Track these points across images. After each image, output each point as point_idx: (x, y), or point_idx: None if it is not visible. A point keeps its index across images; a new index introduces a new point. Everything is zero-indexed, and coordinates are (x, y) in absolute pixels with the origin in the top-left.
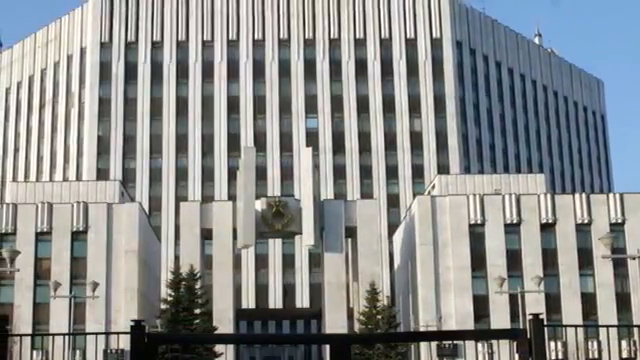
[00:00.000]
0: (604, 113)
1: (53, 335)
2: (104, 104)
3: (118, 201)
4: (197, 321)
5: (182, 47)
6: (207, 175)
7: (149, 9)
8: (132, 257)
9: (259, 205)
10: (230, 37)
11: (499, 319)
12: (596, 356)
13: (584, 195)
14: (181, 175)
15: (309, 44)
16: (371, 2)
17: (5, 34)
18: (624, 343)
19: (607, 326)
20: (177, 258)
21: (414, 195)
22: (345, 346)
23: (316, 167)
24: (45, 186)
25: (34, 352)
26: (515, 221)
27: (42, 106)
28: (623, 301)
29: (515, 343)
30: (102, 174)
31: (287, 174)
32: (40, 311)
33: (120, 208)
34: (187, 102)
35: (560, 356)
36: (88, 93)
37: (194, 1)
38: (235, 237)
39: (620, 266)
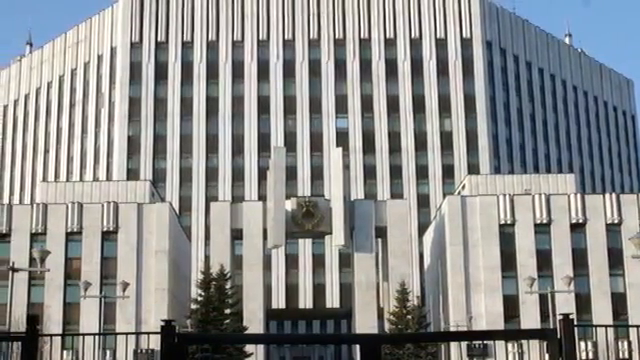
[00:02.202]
0: (634, 113)
1: (83, 335)
2: (134, 104)
3: (148, 201)
4: (227, 321)
5: (212, 47)
6: (237, 175)
7: (179, 9)
8: (162, 257)
9: (289, 205)
10: (260, 37)
11: (529, 319)
12: (626, 356)
13: (614, 195)
14: (211, 175)
15: (339, 44)
16: (401, 2)
17: (35, 34)
18: None
19: (637, 326)
20: (207, 258)
21: (444, 195)
22: (375, 346)
23: (346, 167)
24: (75, 186)
25: (64, 352)
26: (545, 221)
27: (72, 106)
28: None
29: (545, 343)
30: (132, 174)
31: (317, 174)
32: (70, 311)
33: (150, 208)
34: (217, 102)
35: (590, 356)
36: (118, 93)
37: (224, 1)
38: (265, 237)
39: None
